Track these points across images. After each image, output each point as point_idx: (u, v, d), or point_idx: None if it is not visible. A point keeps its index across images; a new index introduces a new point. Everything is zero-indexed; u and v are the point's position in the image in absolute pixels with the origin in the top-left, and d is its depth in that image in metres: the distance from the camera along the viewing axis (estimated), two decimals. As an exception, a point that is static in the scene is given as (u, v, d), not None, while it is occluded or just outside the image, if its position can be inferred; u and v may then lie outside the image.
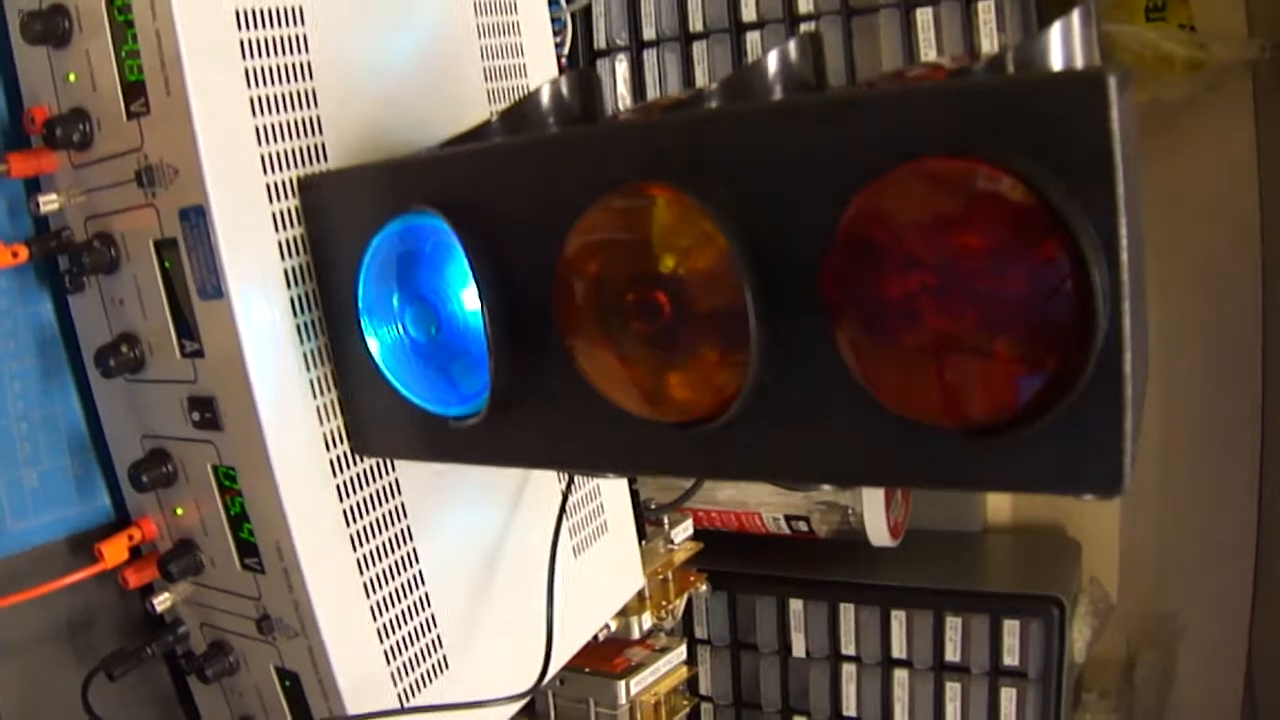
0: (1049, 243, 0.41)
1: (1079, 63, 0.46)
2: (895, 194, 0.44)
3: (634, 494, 0.95)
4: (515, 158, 0.54)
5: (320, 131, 0.62)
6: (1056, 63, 0.45)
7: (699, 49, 1.15)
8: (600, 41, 1.19)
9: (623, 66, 1.18)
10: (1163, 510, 1.31)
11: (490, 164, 0.54)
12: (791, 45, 0.52)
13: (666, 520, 1.07)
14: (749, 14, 1.12)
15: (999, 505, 1.36)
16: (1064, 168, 0.40)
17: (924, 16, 1.04)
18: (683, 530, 1.08)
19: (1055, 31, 0.46)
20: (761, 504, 1.20)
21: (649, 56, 1.17)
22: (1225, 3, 1.14)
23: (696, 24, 1.15)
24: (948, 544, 1.29)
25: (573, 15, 1.11)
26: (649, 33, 1.17)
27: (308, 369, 0.61)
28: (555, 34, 0.86)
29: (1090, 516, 1.32)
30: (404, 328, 0.57)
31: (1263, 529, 1.24)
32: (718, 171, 0.47)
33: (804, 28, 1.08)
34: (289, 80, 0.61)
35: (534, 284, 0.52)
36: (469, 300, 0.55)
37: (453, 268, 0.55)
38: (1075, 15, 0.47)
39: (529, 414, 0.55)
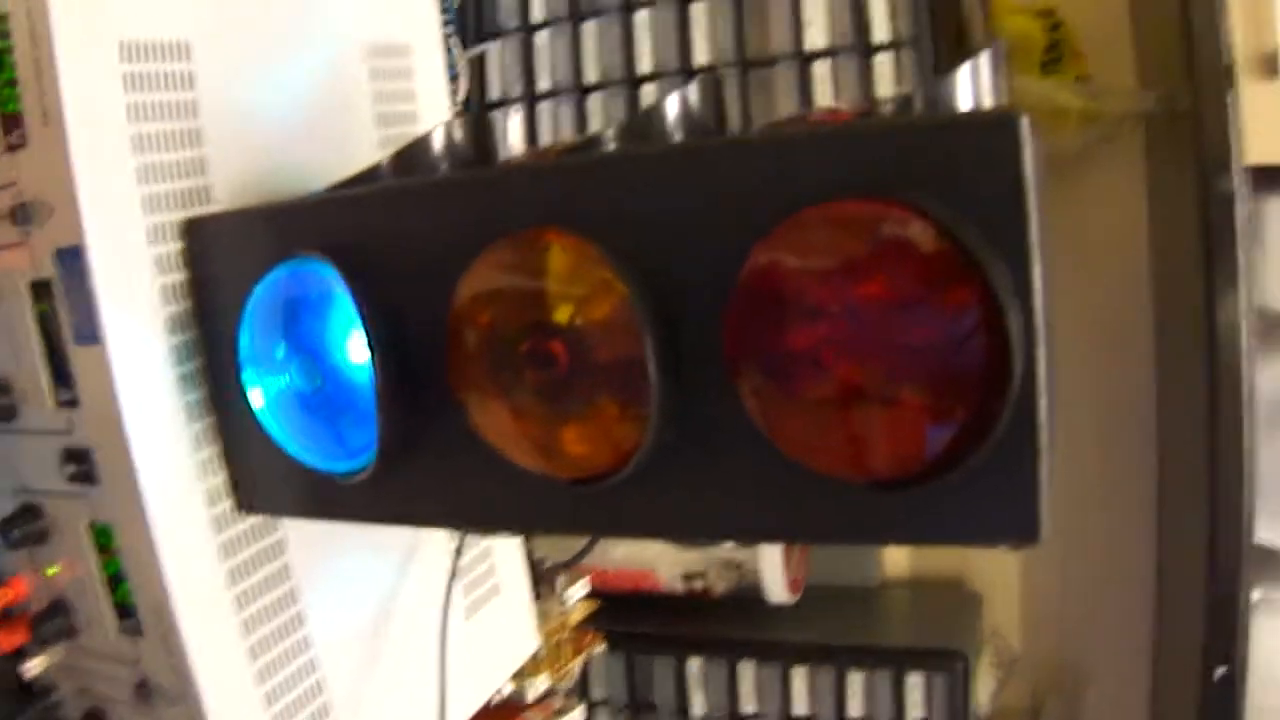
0: (962, 288, 0.40)
1: (987, 105, 0.45)
2: (798, 240, 0.42)
3: (528, 553, 0.93)
4: (405, 201, 0.52)
5: (205, 173, 0.59)
6: (965, 105, 0.45)
7: (594, 101, 1.14)
8: (495, 92, 1.18)
9: (517, 118, 1.17)
10: (1064, 558, 1.31)
11: (379, 208, 0.52)
12: (691, 89, 0.51)
13: (561, 580, 1.04)
14: (644, 66, 1.12)
15: (897, 558, 1.36)
16: (976, 210, 0.40)
17: (821, 69, 1.04)
18: (578, 590, 1.05)
19: (963, 74, 0.45)
20: (658, 562, 1.18)
21: (544, 109, 1.16)
22: (1118, 55, 1.17)
23: (591, 75, 1.14)
24: (846, 598, 1.29)
25: (468, 64, 1.09)
26: (544, 84, 1.16)
27: (189, 421, 0.57)
28: (449, 82, 0.84)
29: (991, 567, 1.33)
30: (288, 379, 0.54)
31: (1163, 575, 1.25)
32: (616, 217, 0.45)
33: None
34: (174, 118, 0.58)
35: (425, 334, 0.50)
36: (356, 351, 0.52)
37: (339, 316, 0.52)
38: (983, 59, 0.46)
39: (419, 470, 0.53)
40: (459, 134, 0.55)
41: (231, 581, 0.59)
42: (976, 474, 0.41)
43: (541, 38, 1.15)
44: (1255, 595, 0.84)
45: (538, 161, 0.53)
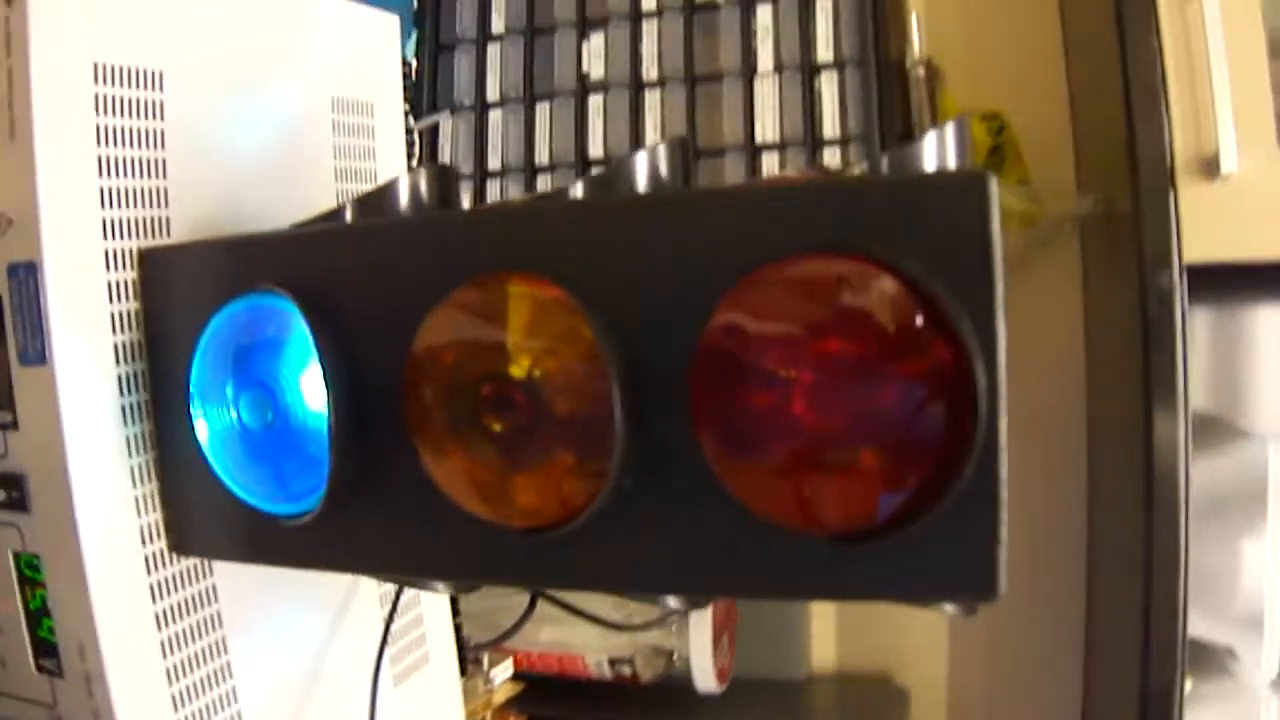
0: (930, 344, 0.40)
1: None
2: (766, 293, 0.43)
3: (457, 627, 0.91)
4: (370, 241, 0.51)
5: (166, 204, 0.59)
6: (931, 168, 0.46)
7: (543, 181, 1.15)
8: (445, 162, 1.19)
9: (465, 195, 1.18)
10: (990, 656, 1.32)
11: (343, 246, 0.52)
12: (660, 149, 0.52)
13: (486, 659, 1.02)
14: (595, 150, 1.13)
15: (823, 652, 1.35)
16: (943, 267, 0.40)
17: (770, 160, 1.07)
18: (502, 670, 1.03)
19: (930, 140, 0.46)
20: (584, 647, 1.17)
21: (493, 185, 1.17)
22: (1057, 159, 1.20)
23: (543, 158, 1.15)
24: (772, 692, 1.27)
25: (419, 134, 1.10)
26: (494, 162, 1.17)
27: (130, 454, 0.56)
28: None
29: (917, 663, 1.33)
30: (237, 415, 0.53)
31: (1090, 671, 1.25)
32: (585, 264, 0.45)
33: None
34: (141, 146, 0.58)
35: (382, 375, 0.49)
36: (310, 390, 0.52)
37: (295, 354, 0.52)
38: (950, 127, 0.47)
39: (367, 516, 0.52)
40: (424, 183, 0.54)
41: (160, 625, 0.57)
42: (937, 530, 0.41)
43: (496, 115, 1.16)
44: (1187, 687, 0.84)
45: (507, 206, 0.53)
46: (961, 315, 0.40)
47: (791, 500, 0.43)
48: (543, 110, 1.15)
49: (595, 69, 1.14)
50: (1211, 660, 1.01)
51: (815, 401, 0.42)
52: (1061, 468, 1.23)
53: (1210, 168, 0.84)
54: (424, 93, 1.18)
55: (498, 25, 1.18)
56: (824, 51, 1.08)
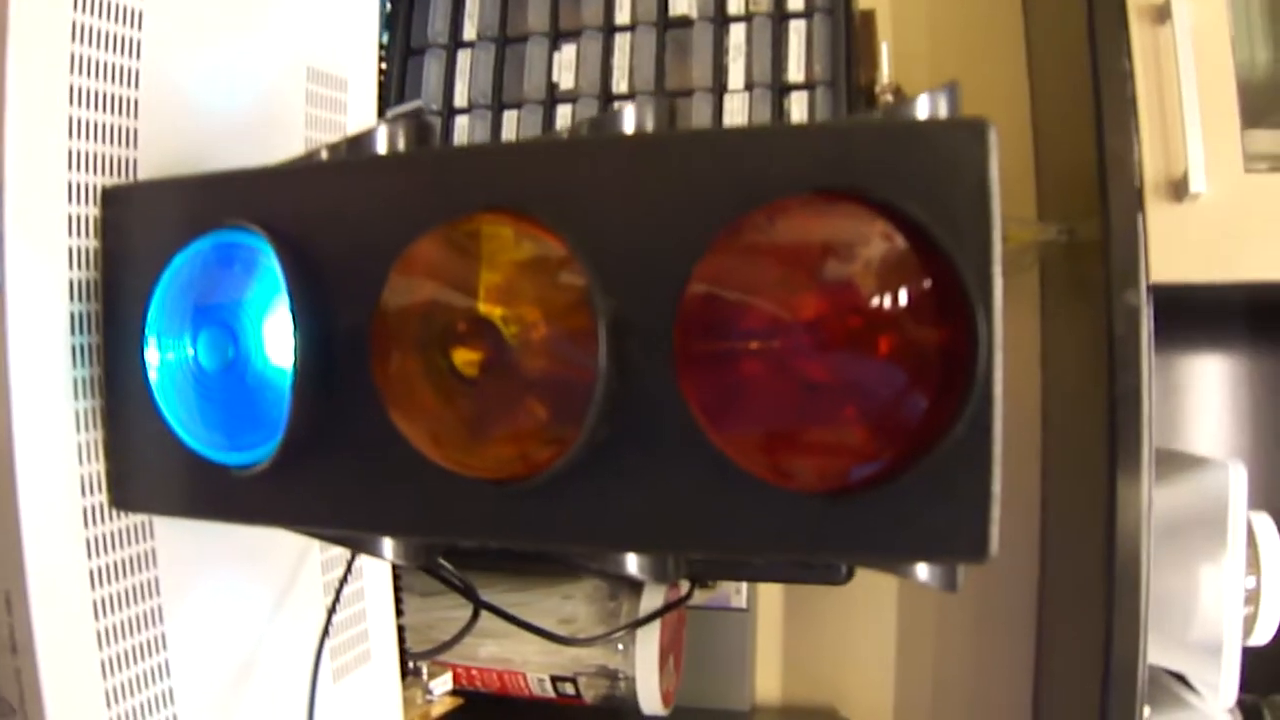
0: (927, 291, 0.39)
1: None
2: (756, 238, 0.41)
3: (400, 629, 0.89)
4: (345, 179, 0.50)
5: (135, 145, 0.57)
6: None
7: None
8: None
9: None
10: (937, 689, 1.30)
11: (317, 185, 0.50)
12: (648, 102, 0.50)
13: (425, 670, 0.99)
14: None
15: (768, 684, 1.34)
16: (940, 212, 0.39)
17: (736, 103, 1.07)
18: (442, 683, 1.00)
19: (923, 100, 0.45)
20: (526, 663, 1.14)
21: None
22: (1018, 191, 1.21)
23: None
24: (717, 721, 1.25)
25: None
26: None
27: (75, 397, 0.53)
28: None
29: (864, 695, 1.31)
30: (194, 355, 0.51)
31: (1039, 703, 1.24)
32: (566, 207, 0.44)
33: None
34: (114, 82, 0.56)
35: (351, 317, 0.47)
36: (272, 333, 0.49)
37: (260, 295, 0.49)
38: (943, 90, 0.46)
39: (324, 466, 0.49)
40: (402, 133, 0.53)
41: (94, 584, 0.54)
42: (927, 485, 0.40)
43: (463, 120, 1.15)
44: (1145, 714, 0.83)
45: (488, 144, 0.51)
46: (960, 261, 0.39)
47: (778, 453, 0.41)
48: (510, 118, 1.13)
49: (565, 79, 1.13)
50: (1167, 688, 1.00)
51: (806, 350, 0.41)
52: (1013, 498, 1.22)
53: (1179, 189, 0.85)
54: (392, 97, 1.17)
55: (469, 32, 1.17)
56: (795, 73, 1.08)
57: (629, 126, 0.46)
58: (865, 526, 0.41)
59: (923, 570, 0.43)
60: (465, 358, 0.45)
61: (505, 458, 0.45)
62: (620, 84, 1.12)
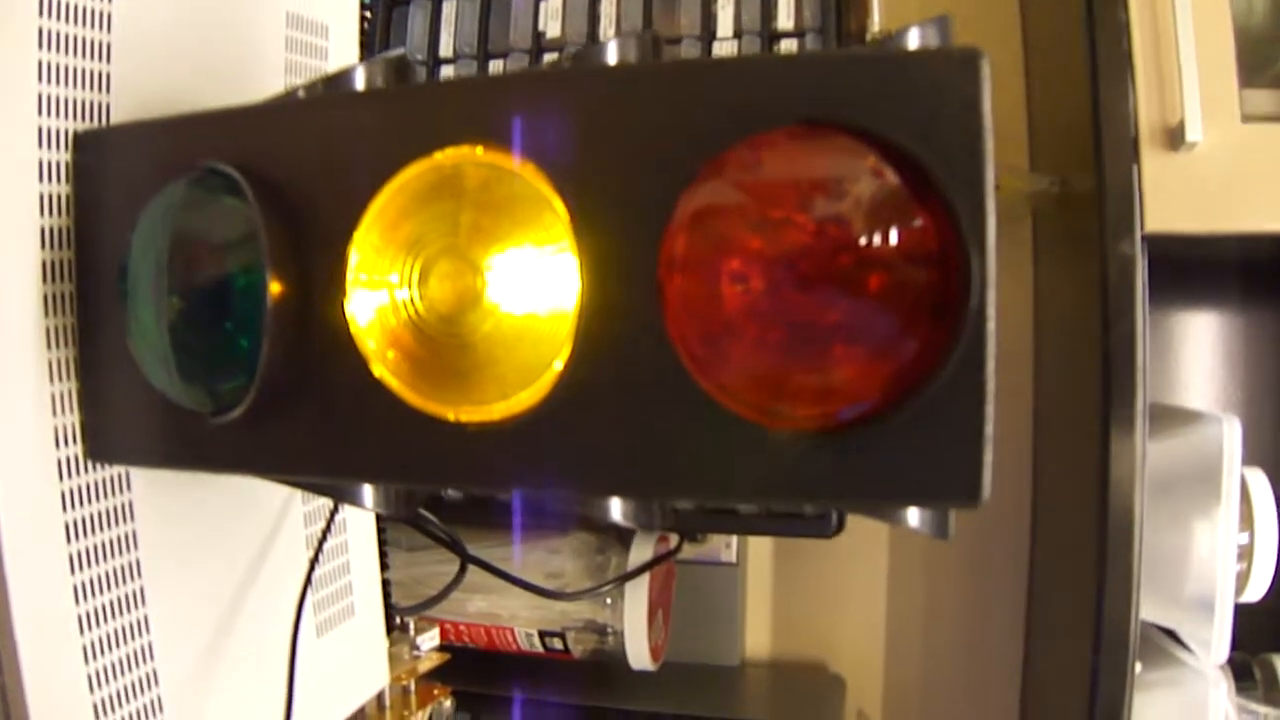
0: (919, 224, 0.38)
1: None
2: (742, 171, 0.40)
3: (386, 583, 0.88)
4: (322, 115, 0.48)
5: (107, 90, 0.55)
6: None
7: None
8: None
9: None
10: (927, 644, 1.30)
11: (294, 123, 0.49)
12: (633, 40, 0.49)
13: (412, 625, 0.99)
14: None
15: (758, 640, 1.33)
16: (933, 144, 0.38)
17: (725, 49, 1.07)
18: (429, 639, 1.00)
19: (913, 32, 0.44)
20: (514, 618, 1.13)
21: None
22: (1010, 143, 1.20)
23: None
24: (706, 676, 1.25)
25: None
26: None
27: (49, 347, 0.52)
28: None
29: (854, 652, 1.31)
30: (170, 302, 0.49)
31: (1030, 657, 1.24)
32: (547, 140, 0.43)
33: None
34: (85, 25, 0.54)
35: (328, 259, 0.46)
36: (250, 275, 0.48)
37: (236, 236, 0.48)
38: (934, 24, 0.45)
39: (300, 412, 0.48)
40: (380, 71, 0.51)
41: (69, 537, 0.53)
42: (917, 426, 0.39)
43: (448, 71, 1.13)
44: (1136, 670, 0.83)
45: (469, 77, 0.50)
46: (952, 193, 0.38)
47: (764, 393, 0.40)
48: (496, 68, 1.12)
49: (552, 28, 1.11)
50: (1159, 644, 1.00)
51: (793, 287, 0.39)
52: (1004, 452, 1.22)
53: (1174, 138, 0.83)
54: (376, 45, 1.15)
55: (455, -21, 1.15)
56: (784, 20, 1.06)
57: (612, 59, 0.45)
58: (854, 469, 0.40)
59: (913, 516, 0.42)
60: (445, 297, 0.44)
61: (485, 400, 0.44)
62: (608, 32, 1.10)
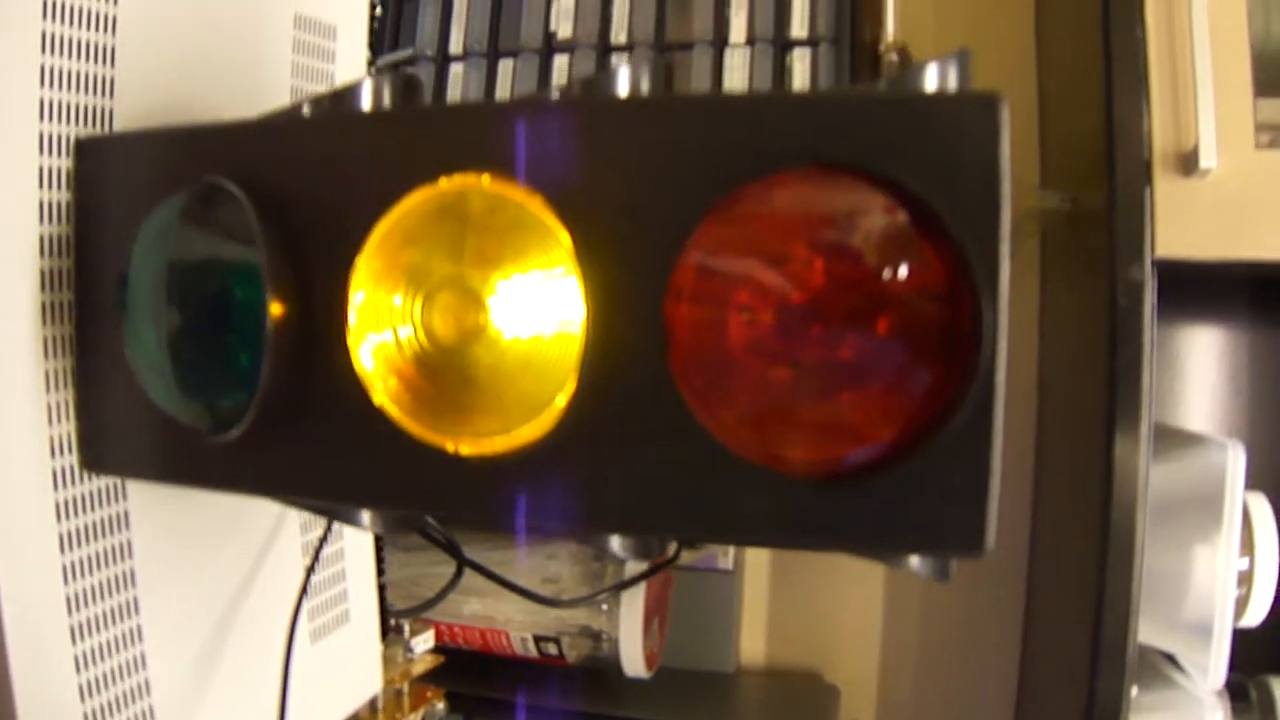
0: (932, 272, 0.38)
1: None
2: (752, 211, 0.40)
3: (380, 588, 0.87)
4: (329, 134, 0.47)
5: (111, 95, 0.55)
6: (934, 94, 0.43)
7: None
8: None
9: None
10: (923, 655, 1.30)
11: (299, 141, 0.48)
12: (643, 62, 0.48)
13: (407, 628, 0.98)
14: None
15: (753, 648, 1.33)
16: (947, 191, 0.37)
17: (737, 58, 1.05)
18: (423, 641, 0.99)
19: (931, 69, 0.43)
20: (509, 622, 1.13)
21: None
22: (1022, 158, 1.19)
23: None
24: (701, 683, 1.25)
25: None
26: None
27: (46, 356, 0.52)
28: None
29: (849, 661, 1.31)
30: (170, 316, 0.49)
31: (1026, 670, 1.24)
32: (554, 171, 0.42)
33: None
34: (91, 28, 0.54)
35: (329, 280, 0.45)
36: (250, 292, 0.47)
37: (238, 253, 0.47)
38: (952, 57, 0.45)
39: (299, 433, 0.48)
40: (388, 89, 0.50)
41: (63, 548, 0.53)
42: (923, 476, 0.38)
43: (457, 69, 1.13)
44: (1132, 693, 0.83)
45: (477, 103, 0.49)
46: (966, 242, 0.37)
47: (769, 435, 0.40)
48: (505, 67, 1.11)
49: (563, 28, 1.11)
50: (1156, 667, 0.99)
51: (802, 328, 0.39)
52: (1005, 469, 1.22)
53: (1188, 163, 0.83)
54: (385, 42, 1.14)
55: (466, -24, 1.14)
56: (798, 28, 1.06)
57: (623, 88, 0.44)
58: (857, 515, 0.39)
59: (914, 560, 0.41)
60: (447, 326, 0.43)
61: (486, 433, 0.43)
62: (619, 35, 1.09)
